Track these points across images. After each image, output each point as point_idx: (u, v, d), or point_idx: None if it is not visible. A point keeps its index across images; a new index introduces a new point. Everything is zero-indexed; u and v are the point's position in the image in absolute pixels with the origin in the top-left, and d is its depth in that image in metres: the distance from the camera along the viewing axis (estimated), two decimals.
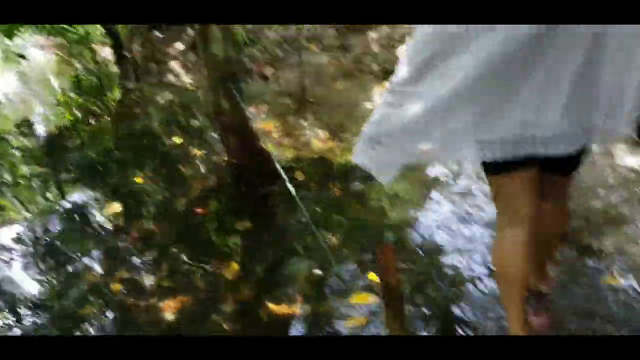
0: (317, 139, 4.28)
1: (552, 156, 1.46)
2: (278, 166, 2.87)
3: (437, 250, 2.78)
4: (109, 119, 5.76)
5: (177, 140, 4.65)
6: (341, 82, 5.27)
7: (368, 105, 4.73)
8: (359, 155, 1.66)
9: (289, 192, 2.77)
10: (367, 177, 3.57)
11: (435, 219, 3.05)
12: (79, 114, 6.06)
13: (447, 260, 2.69)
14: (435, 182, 3.41)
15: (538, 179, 1.63)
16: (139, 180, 4.00)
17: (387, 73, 5.03)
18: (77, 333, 2.59)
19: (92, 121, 5.67)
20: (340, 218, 3.21)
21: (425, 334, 2.16)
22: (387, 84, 1.65)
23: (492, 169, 1.62)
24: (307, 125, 4.57)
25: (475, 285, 2.43)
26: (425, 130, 1.51)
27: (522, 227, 1.66)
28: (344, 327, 2.32)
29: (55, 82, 7.61)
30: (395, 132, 1.56)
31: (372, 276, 2.50)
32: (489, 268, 2.49)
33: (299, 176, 3.69)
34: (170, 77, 6.46)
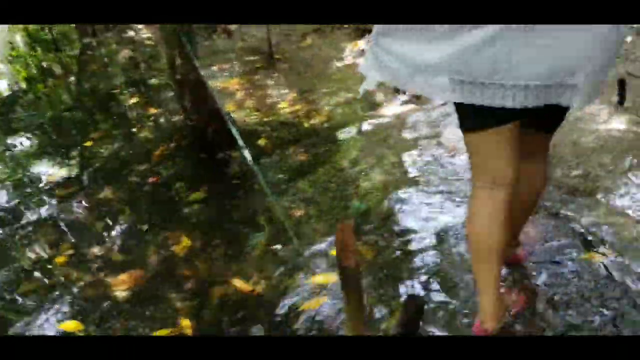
0: (284, 101, 4.00)
1: (532, 109, 1.39)
2: (234, 130, 2.59)
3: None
4: (66, 76, 5.35)
5: (134, 100, 4.32)
6: (311, 38, 4.95)
7: (339, 64, 4.45)
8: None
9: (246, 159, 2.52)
10: (336, 141, 3.38)
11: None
12: (34, 71, 5.64)
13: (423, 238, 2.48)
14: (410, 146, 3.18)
15: (518, 137, 1.52)
16: (88, 143, 3.69)
17: (359, 30, 4.73)
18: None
19: (50, 79, 5.27)
20: (305, 186, 2.98)
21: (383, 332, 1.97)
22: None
23: (468, 123, 1.53)
24: (273, 85, 4.28)
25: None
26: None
27: (500, 193, 1.58)
28: (300, 309, 2.11)
29: (9, 38, 7.11)
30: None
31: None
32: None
33: (262, 141, 3.44)
34: (130, 32, 6.04)
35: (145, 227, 2.81)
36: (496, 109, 1.39)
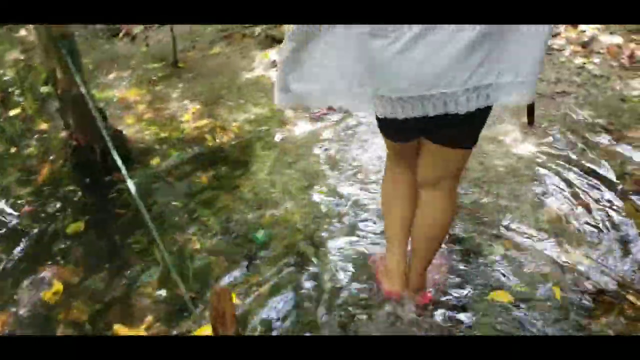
0: (187, 114, 3.70)
1: (442, 126, 1.52)
2: (114, 152, 2.29)
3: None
4: None
5: (15, 111, 3.86)
6: (219, 46, 4.66)
7: (248, 75, 4.20)
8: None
9: (130, 187, 2.22)
10: (243, 162, 3.13)
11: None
12: None
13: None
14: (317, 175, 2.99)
15: (424, 147, 1.72)
16: None
17: (269, 39, 4.50)
18: None
19: None
20: (204, 215, 2.72)
21: None
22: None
23: (386, 134, 1.75)
24: (176, 97, 3.97)
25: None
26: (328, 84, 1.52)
27: (406, 176, 1.86)
28: None
29: None
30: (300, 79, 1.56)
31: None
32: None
33: (156, 161, 3.14)
34: (22, 31, 5.49)
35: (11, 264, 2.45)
36: (396, 123, 1.49)
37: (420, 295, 2.03)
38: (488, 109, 1.51)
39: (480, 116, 1.54)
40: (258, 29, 4.54)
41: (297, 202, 2.76)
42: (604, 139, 3.06)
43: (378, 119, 1.64)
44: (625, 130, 3.13)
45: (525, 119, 3.26)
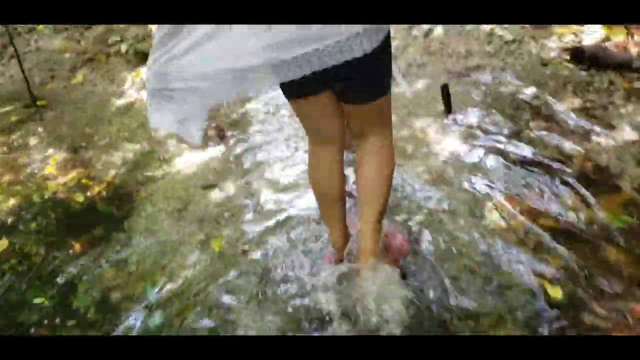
0: (50, 165, 3.04)
1: (342, 78, 1.52)
2: None
3: None
4: None
5: None
6: (82, 72, 3.96)
7: (119, 101, 3.55)
8: (156, 118, 1.53)
9: None
10: (120, 221, 2.53)
11: None
12: None
13: None
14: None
15: (334, 102, 1.68)
16: None
17: (141, 55, 3.85)
18: None
19: None
20: (74, 303, 2.12)
21: None
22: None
23: (288, 92, 1.65)
24: (37, 144, 3.28)
25: None
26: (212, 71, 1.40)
27: (330, 148, 1.80)
28: None
29: None
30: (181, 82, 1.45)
31: None
32: None
33: (5, 242, 2.50)
34: None
35: None
36: (296, 82, 1.44)
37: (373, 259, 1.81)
38: (377, 58, 1.49)
39: (373, 65, 1.53)
40: (124, 46, 3.87)
41: (195, 264, 2.21)
42: (535, 122, 2.68)
43: (281, 87, 1.61)
44: (556, 101, 2.78)
45: (442, 107, 2.85)
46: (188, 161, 2.82)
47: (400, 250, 2.03)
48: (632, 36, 3.20)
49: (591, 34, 3.28)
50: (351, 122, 1.77)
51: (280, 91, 1.65)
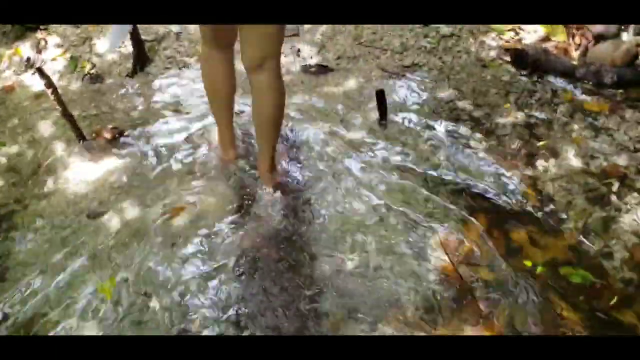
0: None
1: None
2: None
3: None
4: None
5: None
6: None
7: None
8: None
9: None
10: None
11: None
12: None
13: None
14: None
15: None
16: None
17: (17, 28, 3.21)
18: None
19: None
20: None
21: None
22: None
23: None
24: None
25: None
26: None
27: (219, 54, 2.03)
28: None
29: None
30: None
31: None
32: None
33: None
34: None
35: None
36: None
37: (273, 177, 2.19)
38: None
39: None
40: None
41: (86, 315, 1.81)
42: (475, 138, 2.44)
43: None
44: (495, 114, 2.55)
45: (376, 115, 2.54)
46: (78, 173, 2.34)
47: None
48: (573, 37, 3.02)
49: (531, 33, 3.07)
50: (244, 49, 1.87)
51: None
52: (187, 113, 2.62)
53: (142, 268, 1.95)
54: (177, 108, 2.66)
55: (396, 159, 2.34)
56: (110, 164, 2.36)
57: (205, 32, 1.99)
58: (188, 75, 2.88)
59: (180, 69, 2.94)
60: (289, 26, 3.18)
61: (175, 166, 2.34)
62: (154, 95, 2.76)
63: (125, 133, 2.50)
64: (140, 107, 2.68)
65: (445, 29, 3.09)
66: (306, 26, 3.20)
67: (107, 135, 2.45)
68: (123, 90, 2.79)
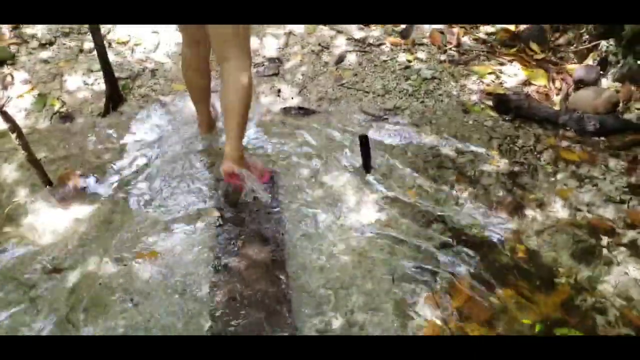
0: None
1: None
2: None
3: None
4: None
5: None
6: None
7: None
8: None
9: None
10: None
11: None
12: None
13: None
14: None
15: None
16: None
17: None
18: None
19: None
20: None
21: None
22: None
23: None
24: None
25: None
26: None
27: (193, 50, 2.35)
28: None
29: None
30: None
31: None
32: None
33: None
34: None
35: None
36: None
37: (231, 167, 2.13)
38: None
39: None
40: None
41: None
42: (460, 185, 2.38)
43: None
44: (480, 161, 2.51)
45: (359, 160, 2.47)
46: (43, 222, 2.20)
47: (260, 172, 2.34)
48: (553, 81, 3.02)
49: (512, 76, 3.06)
50: (213, 45, 2.11)
51: None
52: (160, 157, 2.51)
53: (107, 330, 1.81)
54: (151, 150, 2.55)
55: (381, 207, 2.26)
56: (79, 212, 2.23)
57: (181, 31, 2.40)
58: (163, 115, 2.77)
59: (155, 108, 2.83)
60: (269, 65, 3.11)
61: (149, 213, 2.22)
62: (127, 136, 2.64)
63: (95, 177, 2.37)
64: (112, 149, 2.56)
65: (426, 71, 3.06)
66: (287, 65, 3.14)
67: (76, 181, 2.32)
68: (94, 131, 2.67)
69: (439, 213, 2.24)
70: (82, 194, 2.30)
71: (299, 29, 3.40)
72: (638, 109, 2.69)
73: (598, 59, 2.97)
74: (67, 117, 2.75)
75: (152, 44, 3.24)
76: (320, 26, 3.40)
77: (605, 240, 2.13)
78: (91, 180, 2.35)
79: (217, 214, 2.21)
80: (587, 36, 3.12)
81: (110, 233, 2.15)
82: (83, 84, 2.92)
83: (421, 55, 3.19)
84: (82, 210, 2.24)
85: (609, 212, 2.24)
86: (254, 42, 3.29)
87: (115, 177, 2.39)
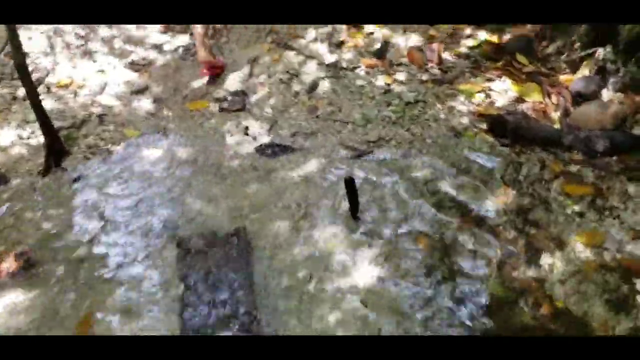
0: None
1: None
2: None
3: None
4: None
5: None
6: None
7: None
8: None
9: None
10: None
11: None
12: None
13: None
14: None
15: None
16: None
17: None
18: None
19: None
20: None
21: None
22: None
23: None
24: None
25: None
26: None
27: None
28: None
29: None
30: None
31: None
32: None
33: None
34: None
35: None
36: None
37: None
38: None
39: None
40: None
41: None
42: (464, 228, 2.06)
43: None
44: (483, 196, 2.20)
45: (345, 202, 2.14)
46: None
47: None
48: (549, 96, 2.74)
49: (502, 94, 2.77)
50: None
51: None
52: (112, 223, 2.13)
53: None
54: (101, 214, 2.17)
55: (377, 262, 1.93)
56: (15, 302, 1.83)
57: None
58: (114, 168, 2.39)
59: (104, 159, 2.45)
60: (233, 99, 2.76)
61: (104, 299, 1.84)
62: (73, 199, 2.25)
63: (35, 257, 1.98)
64: (55, 217, 2.17)
65: (408, 94, 2.75)
66: (253, 98, 2.79)
67: (11, 264, 1.92)
68: (33, 194, 2.27)
69: (445, 264, 1.92)
70: (18, 280, 1.90)
71: (263, 56, 3.06)
72: None
73: (595, 68, 2.71)
74: (0, 179, 2.35)
75: (98, 85, 2.86)
76: (287, 51, 3.07)
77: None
78: (29, 263, 1.95)
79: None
80: (579, 43, 2.86)
81: (54, 326, 1.76)
82: (18, 138, 2.52)
83: (401, 76, 2.88)
84: (18, 300, 1.84)
85: (639, 249, 1.95)
86: None
87: (61, 253, 2.00)
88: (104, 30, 3.23)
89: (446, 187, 2.25)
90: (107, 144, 2.53)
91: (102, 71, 2.94)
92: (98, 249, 2.03)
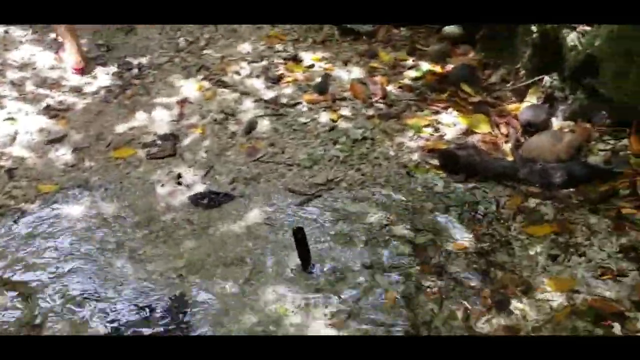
0: None
1: None
2: None
3: None
4: None
5: None
6: None
7: None
8: None
9: None
10: None
11: None
12: None
13: None
14: None
15: None
16: None
17: None
18: None
19: None
20: None
21: None
22: None
23: None
24: None
25: None
26: None
27: None
28: None
29: None
30: None
31: None
32: None
33: None
34: None
35: None
36: None
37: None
38: None
39: None
40: None
41: None
42: (427, 279, 1.89)
43: None
44: (442, 239, 2.04)
45: (295, 259, 1.93)
46: None
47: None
48: (498, 126, 2.65)
49: (451, 127, 2.65)
50: None
51: None
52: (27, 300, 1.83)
53: None
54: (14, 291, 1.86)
55: (335, 327, 1.72)
56: None
57: None
58: (27, 231, 2.09)
59: (15, 220, 2.14)
60: (162, 144, 2.51)
61: None
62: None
63: None
64: None
65: (355, 131, 2.59)
66: (185, 142, 2.55)
67: None
68: None
69: (405, 317, 1.73)
70: None
71: (194, 94, 2.83)
72: (602, 150, 2.35)
73: (542, 96, 2.64)
74: None
75: (7, 134, 2.53)
76: (221, 89, 2.86)
77: (617, 328, 1.71)
78: None
79: None
80: (524, 71, 2.80)
81: None
82: None
83: (345, 112, 2.71)
84: None
85: (609, 290, 1.82)
86: (140, 117, 2.69)
87: None
88: (12, 72, 2.92)
89: (402, 231, 2.08)
90: (18, 203, 2.22)
91: (12, 119, 2.62)
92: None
